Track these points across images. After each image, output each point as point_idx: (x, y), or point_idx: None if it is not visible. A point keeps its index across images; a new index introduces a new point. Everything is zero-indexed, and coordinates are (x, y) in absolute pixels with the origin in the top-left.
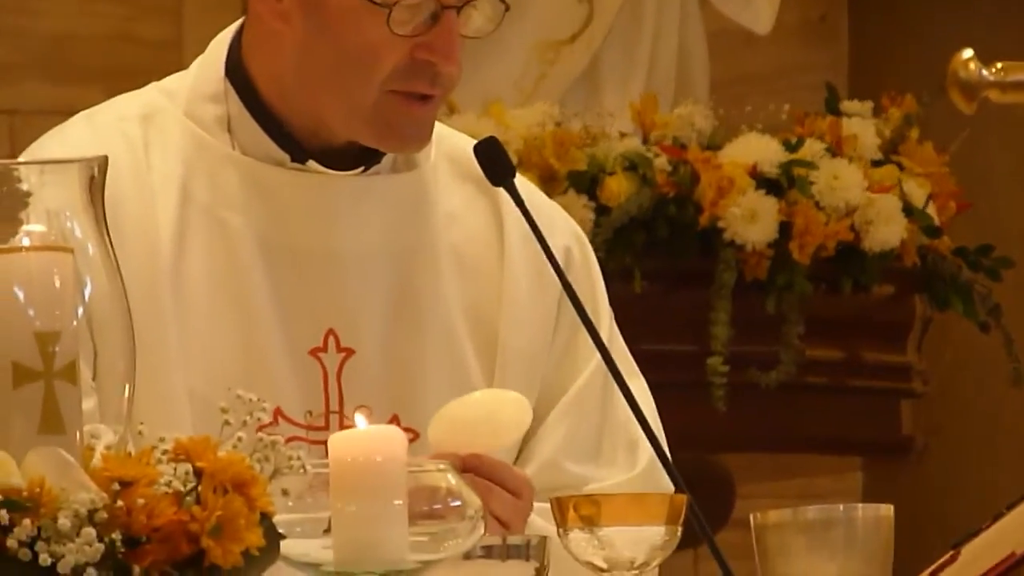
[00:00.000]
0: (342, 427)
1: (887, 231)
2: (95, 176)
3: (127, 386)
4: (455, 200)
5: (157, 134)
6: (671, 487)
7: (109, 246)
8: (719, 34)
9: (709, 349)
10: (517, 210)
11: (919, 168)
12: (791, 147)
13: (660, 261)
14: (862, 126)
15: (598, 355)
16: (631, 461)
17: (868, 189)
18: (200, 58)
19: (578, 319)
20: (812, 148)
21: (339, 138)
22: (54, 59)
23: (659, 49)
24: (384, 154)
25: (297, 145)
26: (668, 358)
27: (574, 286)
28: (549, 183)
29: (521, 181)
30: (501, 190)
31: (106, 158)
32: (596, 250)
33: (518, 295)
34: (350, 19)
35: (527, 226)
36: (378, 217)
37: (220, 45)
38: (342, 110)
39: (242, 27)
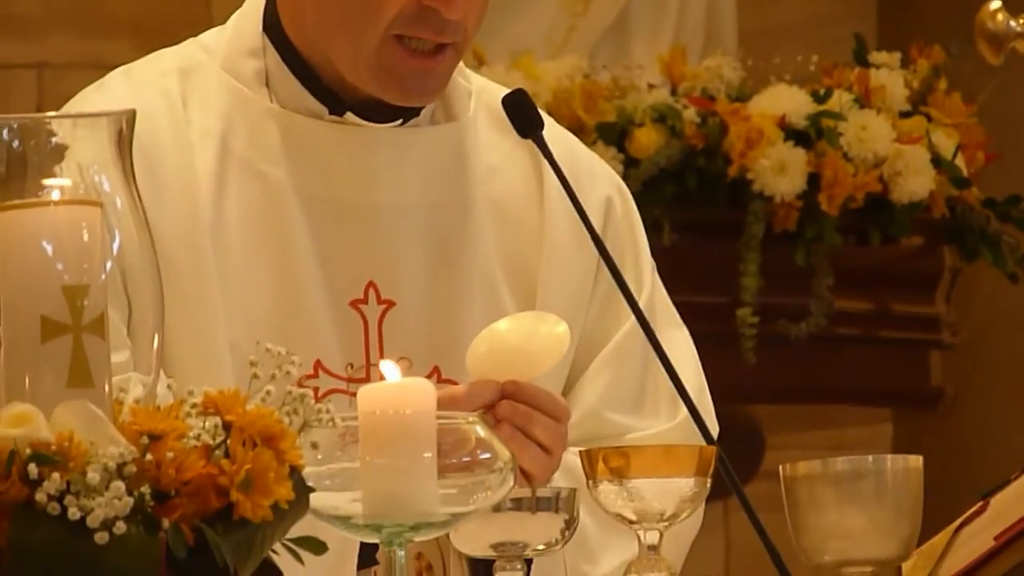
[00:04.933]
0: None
1: (915, 182)
2: (123, 130)
3: (156, 338)
4: (495, 153)
5: (196, 89)
6: (712, 435)
7: (138, 200)
8: None
9: (739, 300)
10: (556, 161)
11: (947, 119)
12: (819, 98)
13: (689, 213)
14: (890, 77)
15: (643, 298)
16: (673, 411)
17: (896, 140)
18: (237, 13)
19: (621, 268)
20: (840, 99)
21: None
22: (81, 12)
23: (688, 1)
24: (423, 106)
25: (335, 98)
26: (697, 309)
27: (615, 237)
28: (578, 135)
29: (560, 132)
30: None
31: (134, 112)
32: None
33: (558, 246)
34: None
35: (567, 177)
36: (417, 169)
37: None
38: (349, 55)
39: None
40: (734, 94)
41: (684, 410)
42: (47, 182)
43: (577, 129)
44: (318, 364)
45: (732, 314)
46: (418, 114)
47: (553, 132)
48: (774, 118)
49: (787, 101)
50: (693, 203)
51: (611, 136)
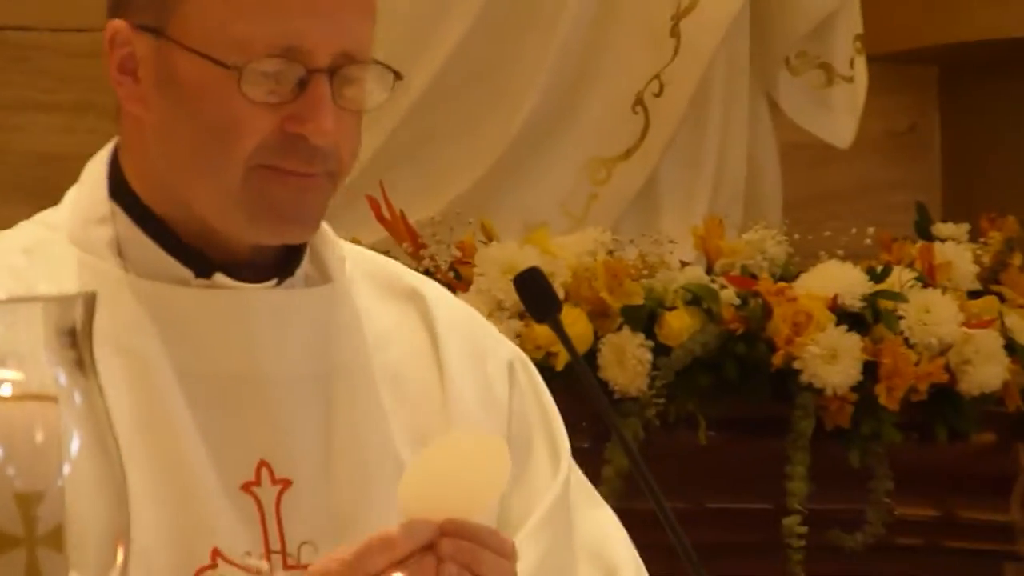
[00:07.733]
0: (286, 566)
1: (987, 371)
2: (82, 314)
3: (120, 551)
4: (385, 320)
5: (44, 265)
6: None
7: (99, 393)
8: (793, 148)
9: (785, 507)
10: (450, 325)
11: (1022, 299)
12: (876, 276)
13: (728, 407)
14: (957, 252)
15: (560, 476)
16: None
17: (965, 324)
18: (75, 187)
19: (532, 438)
20: (901, 277)
21: (233, 241)
22: (36, 179)
23: (725, 166)
24: (297, 264)
25: (201, 257)
26: (738, 516)
27: (521, 401)
28: (601, 319)
29: (452, 298)
30: (429, 305)
31: (95, 294)
32: (655, 395)
33: (465, 414)
34: (205, 89)
35: (463, 342)
36: (300, 336)
37: (98, 165)
38: (211, 195)
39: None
40: (778, 272)
41: None
42: None
43: (600, 313)
44: (215, 552)
45: (778, 522)
46: (292, 273)
47: (446, 298)
48: (824, 299)
49: (839, 280)
50: (732, 396)
51: (638, 321)
